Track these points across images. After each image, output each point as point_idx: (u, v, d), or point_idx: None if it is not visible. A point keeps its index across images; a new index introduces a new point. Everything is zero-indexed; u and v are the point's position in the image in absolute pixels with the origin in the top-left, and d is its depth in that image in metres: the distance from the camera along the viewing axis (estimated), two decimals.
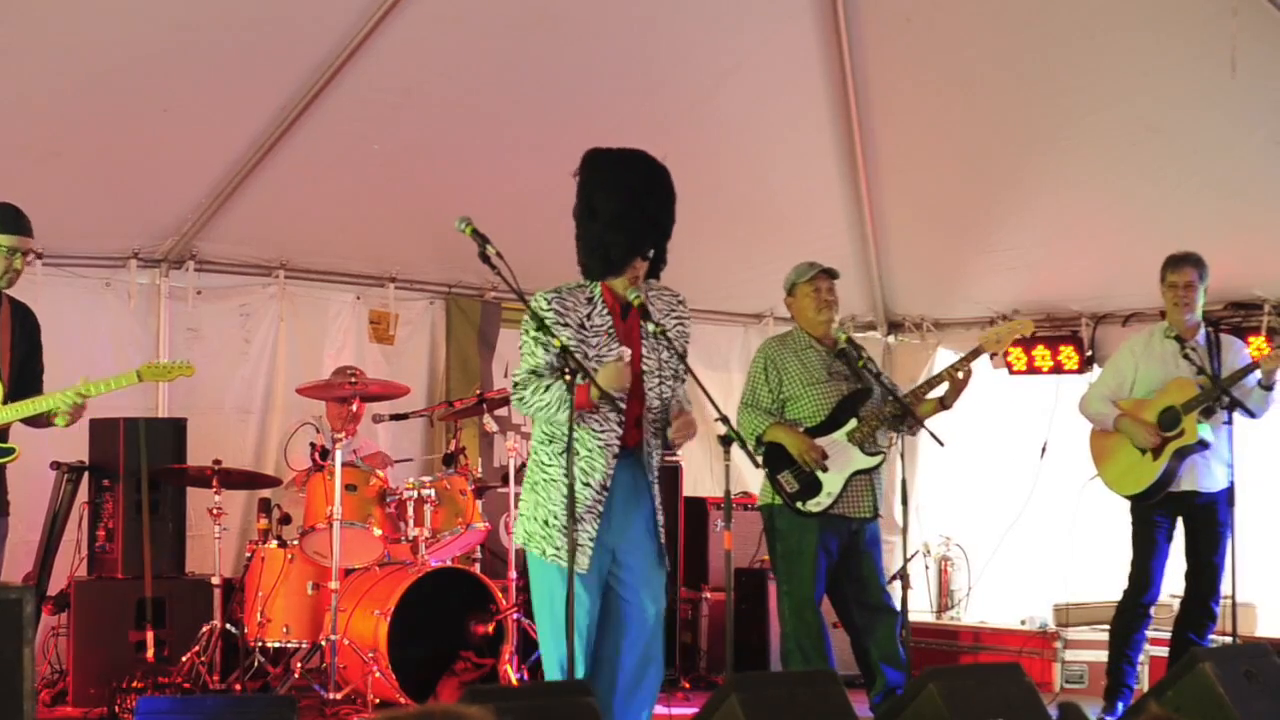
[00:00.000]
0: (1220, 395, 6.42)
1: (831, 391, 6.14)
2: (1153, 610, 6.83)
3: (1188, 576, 6.67)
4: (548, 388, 4.79)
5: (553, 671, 4.86)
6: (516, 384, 4.88)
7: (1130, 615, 6.72)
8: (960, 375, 6.10)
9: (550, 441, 4.89)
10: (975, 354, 6.18)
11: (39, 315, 5.97)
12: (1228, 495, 6.57)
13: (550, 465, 4.87)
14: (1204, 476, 6.55)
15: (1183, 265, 6.60)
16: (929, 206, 8.65)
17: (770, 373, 6.23)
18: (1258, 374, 6.41)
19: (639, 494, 4.94)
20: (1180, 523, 6.66)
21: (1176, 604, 6.83)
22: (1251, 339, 8.02)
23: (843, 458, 6.09)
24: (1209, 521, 6.58)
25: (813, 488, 6.10)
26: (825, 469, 6.08)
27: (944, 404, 6.15)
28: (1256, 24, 6.48)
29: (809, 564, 6.09)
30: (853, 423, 6.09)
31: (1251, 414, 6.49)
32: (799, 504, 6.10)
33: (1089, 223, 8.26)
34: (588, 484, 4.82)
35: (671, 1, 7.26)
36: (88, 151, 7.10)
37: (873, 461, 6.08)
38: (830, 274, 6.30)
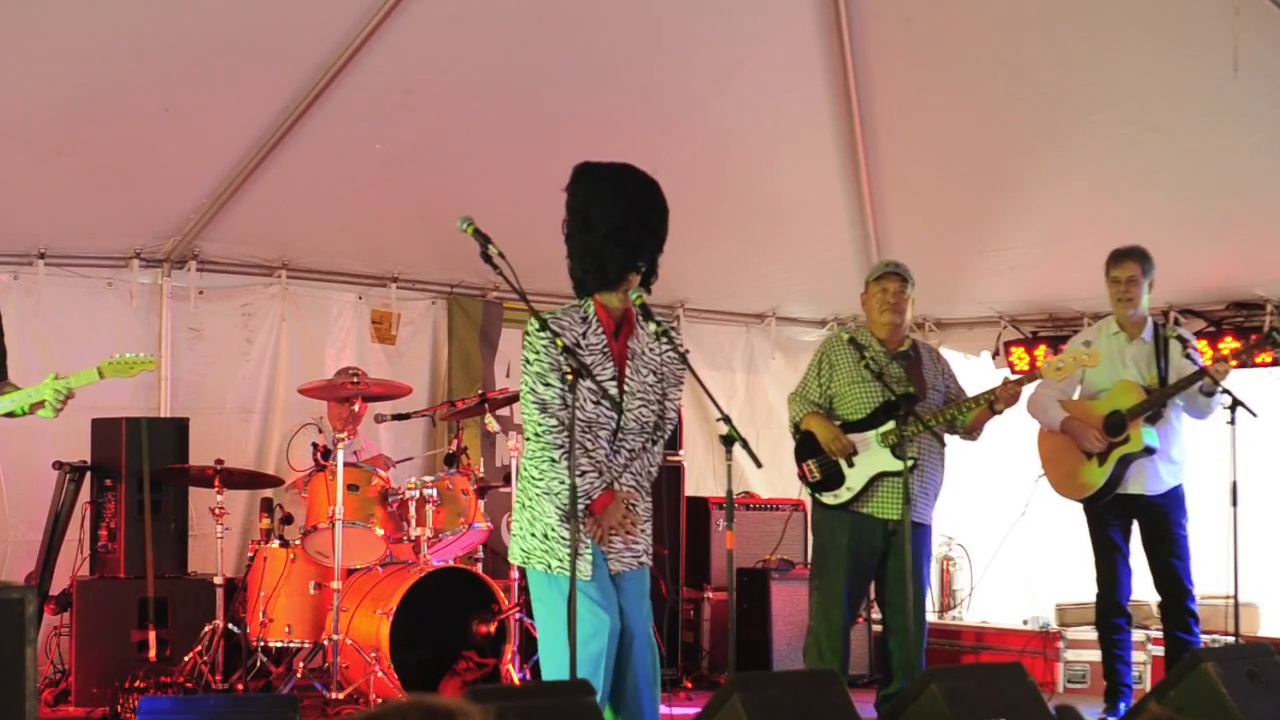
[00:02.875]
0: (1166, 399, 6.44)
1: (877, 392, 6.11)
2: (1145, 608, 6.82)
3: (1156, 584, 6.66)
4: (564, 473, 4.65)
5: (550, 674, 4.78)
6: (540, 432, 4.73)
7: (1108, 617, 6.71)
8: (1013, 389, 6.08)
9: (537, 455, 4.81)
10: (1030, 378, 6.21)
11: (41, 315, 5.94)
12: (1178, 495, 6.59)
13: (540, 479, 4.79)
14: (1151, 480, 6.56)
15: (1125, 260, 6.60)
16: (930, 206, 8.65)
17: (824, 367, 6.27)
18: (1202, 381, 6.39)
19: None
20: (1136, 526, 6.67)
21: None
22: (1254, 339, 8.03)
23: (870, 457, 6.10)
24: (1162, 523, 6.58)
25: (834, 480, 6.14)
26: (851, 463, 6.09)
27: (994, 409, 6.10)
28: (1259, 24, 6.48)
29: (839, 560, 6.10)
30: (889, 425, 6.07)
31: (1201, 416, 6.52)
32: (818, 494, 6.14)
33: (1090, 222, 8.26)
34: (580, 497, 4.74)
35: (672, 2, 7.26)
36: (90, 151, 7.10)
37: (898, 465, 6.03)
38: (900, 275, 6.29)
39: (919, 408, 6.06)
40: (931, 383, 6.23)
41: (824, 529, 6.22)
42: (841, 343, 6.27)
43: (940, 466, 6.24)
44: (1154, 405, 6.45)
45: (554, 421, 4.73)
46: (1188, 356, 6.49)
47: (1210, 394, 6.38)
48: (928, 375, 6.24)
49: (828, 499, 6.15)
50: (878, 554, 6.12)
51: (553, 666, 4.77)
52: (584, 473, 4.73)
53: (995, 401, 6.05)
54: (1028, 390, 6.38)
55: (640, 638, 4.85)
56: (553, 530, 4.77)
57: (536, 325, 4.75)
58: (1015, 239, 8.57)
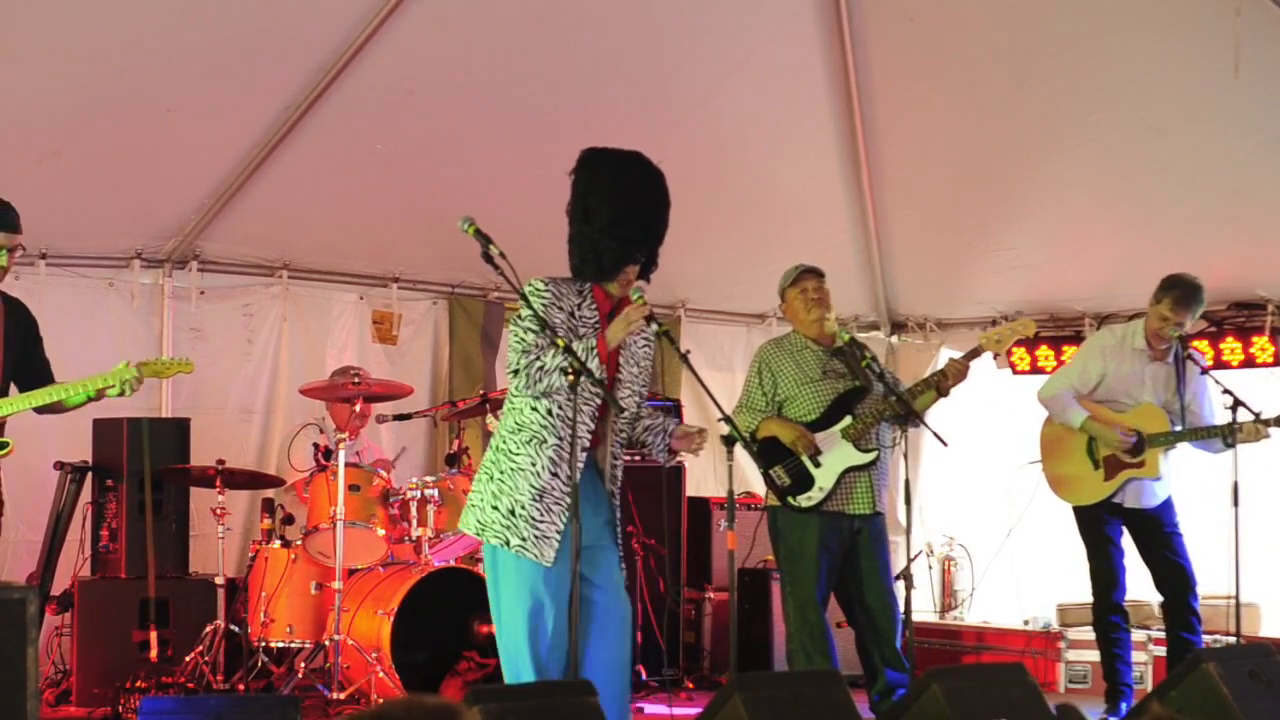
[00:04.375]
0: (1191, 439, 6.47)
1: (827, 389, 6.14)
2: (1146, 608, 6.83)
3: (1157, 586, 6.68)
4: (553, 354, 4.64)
5: (517, 671, 4.74)
6: (517, 370, 4.71)
7: (1106, 616, 6.72)
8: (960, 366, 6.08)
9: (519, 430, 4.79)
10: (975, 354, 6.15)
11: (43, 315, 5.95)
12: (1168, 505, 6.62)
13: (519, 454, 4.76)
14: (1146, 496, 6.60)
15: (1182, 309, 6.46)
16: (932, 206, 8.65)
17: (765, 375, 6.24)
18: (1233, 435, 6.38)
19: (598, 495, 4.88)
20: (1128, 532, 6.69)
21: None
22: (1255, 339, 8.05)
23: (836, 453, 6.09)
24: (1154, 526, 6.61)
25: (804, 482, 6.10)
26: (818, 462, 6.08)
27: (940, 391, 6.11)
28: (1259, 24, 6.48)
29: (810, 563, 6.08)
30: (847, 419, 6.09)
31: (1212, 451, 6.53)
32: (790, 499, 6.10)
33: (1092, 223, 8.26)
34: (555, 474, 4.72)
35: (674, 2, 7.26)
36: (91, 151, 7.10)
37: (865, 458, 6.07)
38: (815, 273, 6.31)
39: (866, 400, 6.08)
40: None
41: (792, 531, 6.14)
42: (779, 348, 6.28)
43: (890, 455, 6.24)
44: (1179, 441, 6.49)
45: (533, 356, 4.66)
46: (1188, 359, 6.49)
47: (1232, 446, 6.38)
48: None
49: (801, 502, 6.09)
50: (843, 551, 6.12)
51: (509, 653, 4.76)
52: (553, 354, 4.66)
53: (943, 380, 6.06)
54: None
55: (607, 612, 4.82)
56: (522, 508, 4.72)
57: (526, 310, 4.74)
58: (1016, 239, 8.57)
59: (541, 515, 4.70)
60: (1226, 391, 6.40)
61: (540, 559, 4.68)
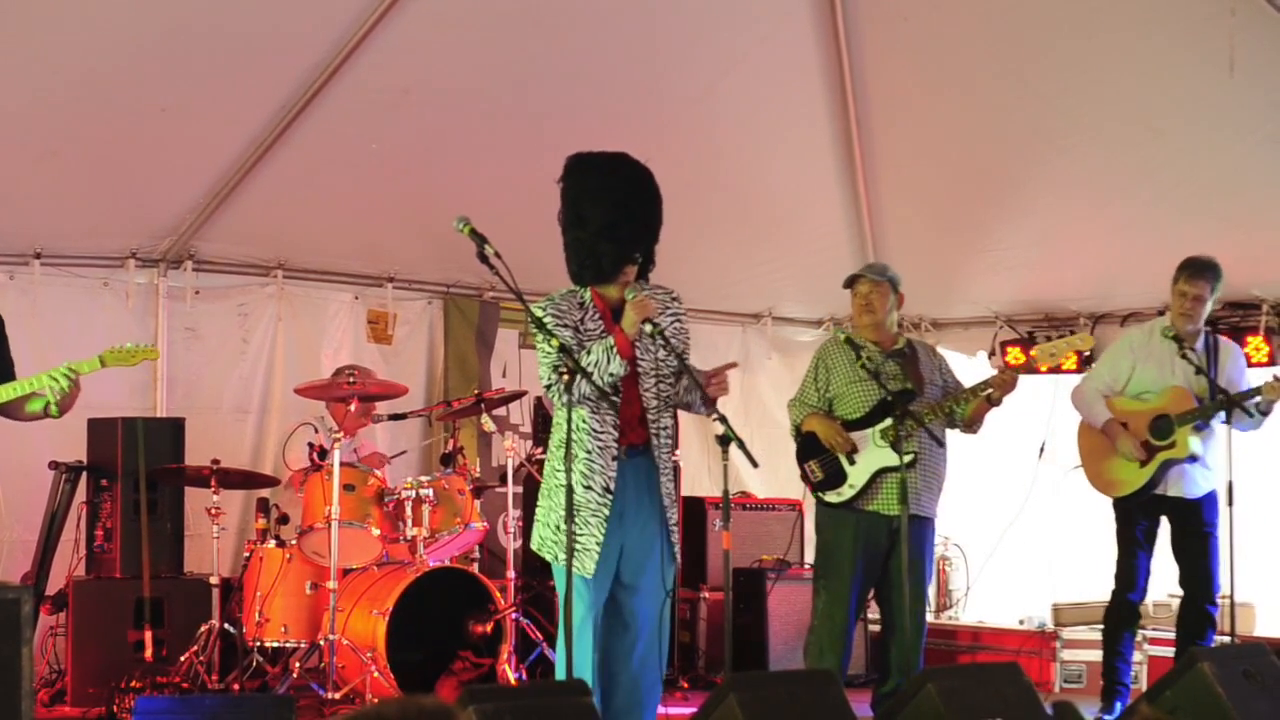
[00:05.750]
0: (1218, 410, 6.44)
1: (874, 390, 6.13)
2: (1141, 608, 6.84)
3: (1181, 582, 6.68)
4: (588, 350, 4.79)
5: (559, 674, 4.89)
6: (550, 385, 4.82)
7: (1118, 614, 6.74)
8: (1008, 377, 6.08)
9: (560, 447, 4.86)
10: (1026, 369, 6.19)
11: (38, 315, 5.91)
12: (1212, 498, 6.59)
13: (560, 470, 4.84)
14: (1188, 484, 6.57)
15: (1197, 278, 6.53)
16: (927, 206, 8.65)
17: (820, 372, 6.30)
18: (1257, 398, 6.39)
19: (650, 492, 4.95)
20: (1167, 525, 6.67)
21: (1175, 604, 6.85)
22: (1250, 339, 8.05)
23: (871, 453, 6.11)
24: (1194, 524, 6.59)
25: (837, 478, 6.16)
26: (852, 461, 6.10)
27: (990, 400, 6.11)
28: (1254, 24, 6.49)
29: (844, 559, 6.11)
30: (888, 421, 6.08)
31: (1244, 429, 6.51)
32: (821, 493, 6.17)
33: (1087, 222, 8.26)
34: (589, 487, 4.83)
35: (669, 2, 7.26)
36: (85, 151, 7.09)
37: (899, 461, 6.04)
38: (865, 278, 6.32)
39: (917, 403, 6.08)
40: (929, 378, 6.24)
41: (828, 528, 6.22)
42: (838, 344, 6.30)
43: (943, 459, 6.23)
44: (1205, 416, 6.46)
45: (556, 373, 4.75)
46: (1184, 356, 6.47)
47: (1265, 413, 6.39)
48: (924, 371, 6.26)
49: (831, 497, 6.16)
50: (883, 552, 6.12)
51: (559, 661, 4.86)
52: (588, 350, 4.80)
53: (991, 390, 6.05)
54: (1042, 383, 6.34)
55: (643, 610, 4.97)
56: (561, 525, 4.80)
57: (540, 331, 4.78)
58: (1011, 239, 8.57)
59: (579, 528, 4.79)
60: (1222, 391, 6.41)
61: (581, 570, 4.81)
